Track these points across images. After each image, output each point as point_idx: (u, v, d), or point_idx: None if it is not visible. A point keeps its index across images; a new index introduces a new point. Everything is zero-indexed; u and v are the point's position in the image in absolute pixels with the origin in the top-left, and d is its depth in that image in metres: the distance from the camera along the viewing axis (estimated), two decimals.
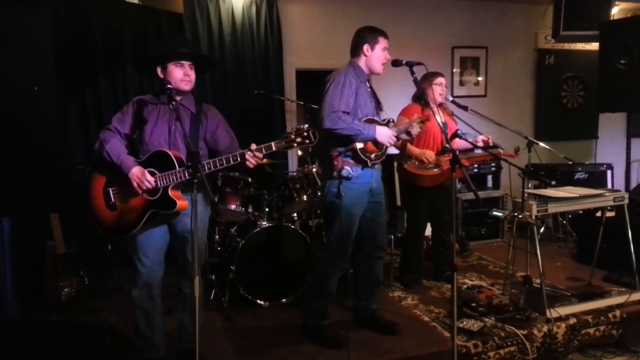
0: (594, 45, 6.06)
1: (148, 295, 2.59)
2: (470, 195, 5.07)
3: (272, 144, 2.30)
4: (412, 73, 2.76)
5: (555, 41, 5.59)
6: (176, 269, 2.71)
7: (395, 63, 2.85)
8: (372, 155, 2.87)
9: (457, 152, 2.90)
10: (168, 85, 2.42)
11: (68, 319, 3.34)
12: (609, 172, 5.63)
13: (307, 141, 2.27)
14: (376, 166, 2.98)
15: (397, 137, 3.00)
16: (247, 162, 2.34)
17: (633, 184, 5.05)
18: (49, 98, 2.87)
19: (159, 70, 2.54)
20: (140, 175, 2.40)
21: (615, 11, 5.27)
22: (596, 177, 5.51)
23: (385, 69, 2.99)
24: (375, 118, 2.94)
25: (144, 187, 2.42)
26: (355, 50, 2.96)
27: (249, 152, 2.31)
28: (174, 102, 2.36)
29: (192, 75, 2.55)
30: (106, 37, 4.49)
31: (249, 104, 4.97)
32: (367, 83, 2.98)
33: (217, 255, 3.89)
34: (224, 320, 3.37)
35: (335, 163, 2.85)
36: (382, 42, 2.91)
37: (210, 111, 2.68)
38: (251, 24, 4.96)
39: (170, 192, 2.43)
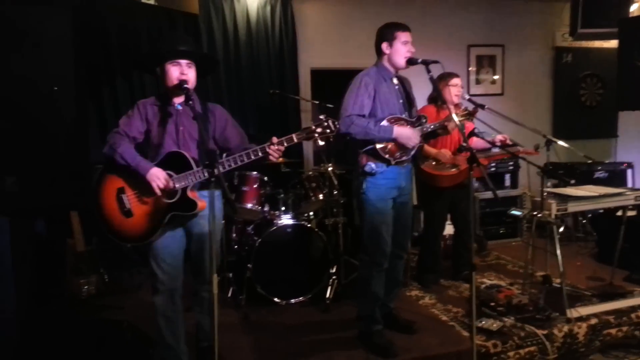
0: (612, 43, 5.99)
1: (170, 301, 2.54)
2: (488, 194, 5.03)
3: (294, 135, 2.30)
4: (429, 71, 2.75)
5: (573, 39, 5.50)
6: (192, 272, 2.67)
7: (411, 61, 2.83)
8: (397, 154, 2.83)
9: (475, 151, 2.88)
10: (185, 85, 2.38)
11: (88, 316, 3.37)
12: (629, 171, 5.54)
13: (328, 130, 2.27)
14: (406, 164, 2.94)
15: (433, 134, 2.99)
16: (270, 156, 2.32)
17: None
18: (68, 97, 2.91)
19: (158, 70, 2.48)
20: (161, 177, 2.35)
21: (635, 8, 5.19)
22: (616, 176, 5.42)
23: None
24: (403, 116, 2.89)
25: (164, 189, 2.36)
26: (377, 50, 2.95)
27: (271, 146, 2.30)
28: (190, 102, 2.32)
29: (191, 74, 2.47)
30: (122, 38, 4.52)
31: (265, 103, 4.98)
32: (393, 80, 2.95)
33: (234, 254, 3.91)
34: (241, 317, 3.38)
35: (360, 160, 2.86)
36: (401, 37, 2.86)
37: (217, 110, 2.63)
38: (266, 23, 4.97)
39: (188, 193, 2.39)
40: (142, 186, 2.40)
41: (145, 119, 2.49)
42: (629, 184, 5.47)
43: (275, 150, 2.31)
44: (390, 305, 3.19)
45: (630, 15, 4.88)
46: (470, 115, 3.34)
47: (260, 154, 2.33)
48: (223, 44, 4.84)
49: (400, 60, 2.88)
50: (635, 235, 3.69)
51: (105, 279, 3.81)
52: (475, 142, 3.89)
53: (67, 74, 2.98)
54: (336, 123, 2.32)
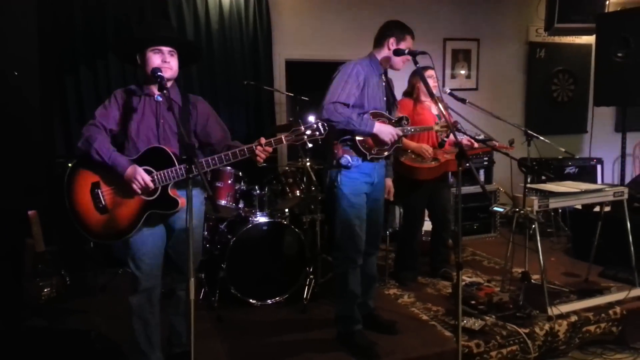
0: (584, 39, 6.07)
1: (148, 301, 2.42)
2: (464, 190, 4.99)
3: (282, 137, 2.22)
4: (415, 63, 2.67)
5: (548, 34, 5.53)
6: (169, 269, 2.55)
7: (397, 52, 2.76)
8: (373, 150, 2.78)
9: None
10: (159, 73, 2.22)
11: (52, 324, 3.16)
12: (598, 167, 5.62)
13: (317, 133, 2.22)
14: (380, 161, 2.88)
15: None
16: (257, 157, 2.24)
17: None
18: (32, 85, 2.68)
19: (138, 58, 2.34)
20: (139, 176, 2.22)
21: (608, 3, 5.23)
22: (586, 172, 5.49)
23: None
24: (384, 113, 2.84)
25: (143, 189, 2.24)
26: (380, 42, 2.85)
27: (258, 147, 2.21)
28: (165, 91, 2.18)
29: (173, 62, 2.34)
30: (87, 24, 4.30)
31: (238, 95, 4.81)
32: (382, 77, 2.88)
33: (207, 253, 3.74)
34: (215, 320, 3.23)
35: (335, 151, 2.77)
36: (408, 41, 2.81)
37: (199, 102, 2.50)
38: (239, 12, 4.78)
39: (169, 191, 2.28)
40: (119, 182, 2.28)
41: (123, 109, 2.34)
42: (599, 180, 5.54)
43: (262, 151, 2.22)
44: (370, 304, 3.11)
45: (606, 10, 4.90)
46: (448, 129, 3.26)
47: (247, 153, 2.24)
48: (194, 32, 4.63)
49: (399, 63, 2.84)
50: (610, 231, 3.70)
51: (67, 281, 3.58)
52: (453, 138, 3.82)
53: (31, 58, 2.74)
54: (326, 126, 2.25)
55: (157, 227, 2.42)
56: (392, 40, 2.79)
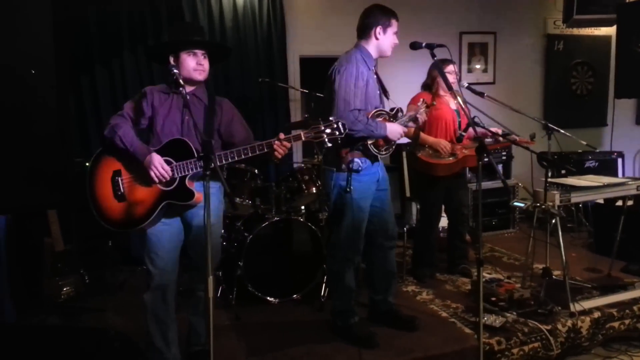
0: (603, 31, 5.95)
1: (161, 299, 2.43)
2: (482, 185, 4.92)
3: (302, 133, 2.23)
4: (433, 56, 2.60)
5: (566, 26, 5.42)
6: (188, 268, 2.56)
7: (414, 46, 2.68)
8: (382, 149, 2.77)
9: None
10: (174, 70, 2.30)
11: (71, 323, 3.18)
12: (619, 160, 5.50)
13: (337, 132, 2.21)
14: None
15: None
16: (276, 152, 2.25)
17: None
18: (49, 84, 2.69)
19: (171, 59, 2.41)
20: (157, 164, 2.27)
21: None
22: (606, 165, 5.38)
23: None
24: (383, 109, 2.81)
25: (161, 177, 2.28)
26: (365, 32, 2.79)
27: (277, 142, 2.22)
28: (181, 88, 2.24)
29: (206, 64, 2.43)
30: (102, 23, 4.32)
31: (252, 92, 4.80)
32: (374, 69, 2.83)
33: (223, 251, 3.73)
34: (233, 318, 3.22)
35: (344, 155, 2.72)
36: (394, 26, 2.77)
37: (224, 103, 2.56)
38: (253, 9, 4.77)
39: (187, 183, 2.31)
40: (139, 171, 2.32)
41: (151, 105, 2.41)
42: (619, 174, 5.43)
43: (280, 146, 2.24)
44: (390, 299, 3.07)
45: (626, 0, 4.79)
46: (427, 107, 3.21)
47: (265, 149, 2.25)
48: (208, 30, 4.62)
49: (389, 50, 2.79)
50: (632, 225, 3.62)
51: (85, 280, 3.61)
52: (471, 132, 3.77)
53: (48, 58, 2.76)
54: (346, 126, 2.25)
55: (174, 222, 2.44)
56: (378, 29, 2.74)
